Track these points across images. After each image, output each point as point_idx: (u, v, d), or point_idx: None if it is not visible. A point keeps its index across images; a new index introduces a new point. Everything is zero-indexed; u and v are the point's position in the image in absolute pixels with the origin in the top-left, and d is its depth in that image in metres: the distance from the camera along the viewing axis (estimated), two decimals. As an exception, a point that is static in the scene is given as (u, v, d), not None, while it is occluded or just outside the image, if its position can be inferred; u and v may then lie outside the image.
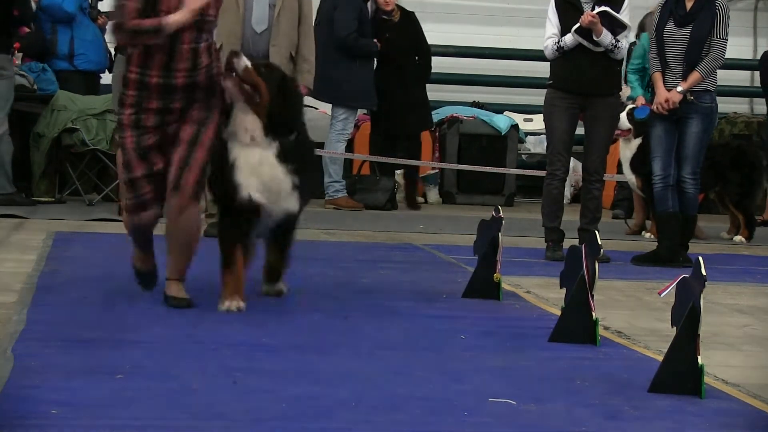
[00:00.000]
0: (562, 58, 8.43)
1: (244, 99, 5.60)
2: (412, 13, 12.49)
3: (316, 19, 9.36)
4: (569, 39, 8.36)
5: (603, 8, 8.29)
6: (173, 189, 5.54)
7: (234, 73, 5.57)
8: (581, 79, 8.37)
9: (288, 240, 6.01)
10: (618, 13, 8.35)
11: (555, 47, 8.44)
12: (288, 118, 5.73)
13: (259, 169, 5.62)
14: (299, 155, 5.74)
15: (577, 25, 8.29)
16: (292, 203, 5.74)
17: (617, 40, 8.34)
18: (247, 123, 5.63)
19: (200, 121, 5.59)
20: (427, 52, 12.51)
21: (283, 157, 5.64)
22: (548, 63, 8.62)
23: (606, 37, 8.29)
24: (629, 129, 10.02)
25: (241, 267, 5.69)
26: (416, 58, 12.38)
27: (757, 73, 13.27)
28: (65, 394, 3.90)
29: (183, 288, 5.69)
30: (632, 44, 10.70)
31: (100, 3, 11.47)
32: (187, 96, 5.57)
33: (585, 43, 8.34)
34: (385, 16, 12.25)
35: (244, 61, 5.60)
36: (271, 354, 4.71)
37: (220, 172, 5.69)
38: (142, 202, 5.61)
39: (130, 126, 5.57)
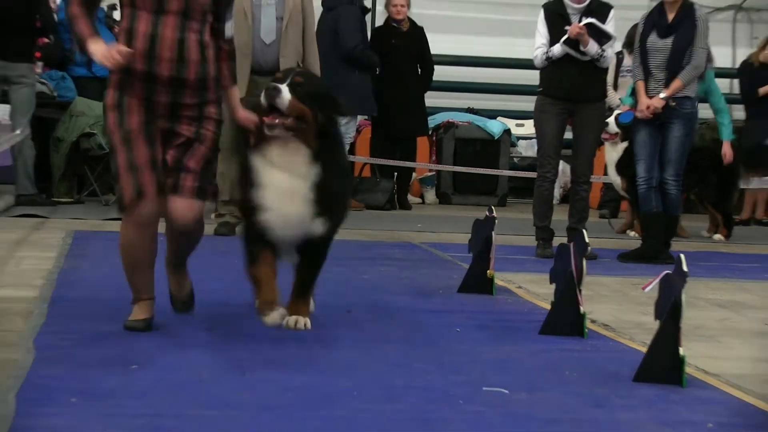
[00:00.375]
0: (551, 66, 8.43)
1: (293, 134, 4.78)
2: (421, 27, 12.53)
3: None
4: (557, 49, 8.36)
5: (590, 20, 8.30)
6: (172, 191, 4.76)
7: (278, 112, 4.73)
8: (569, 86, 8.37)
9: (316, 262, 5.17)
10: (603, 24, 8.35)
11: (544, 57, 8.44)
12: (334, 132, 4.95)
13: (285, 197, 4.84)
14: (335, 174, 4.92)
15: (566, 36, 8.29)
16: (315, 227, 4.95)
17: (603, 50, 8.35)
18: (292, 152, 4.82)
19: (190, 138, 4.78)
20: (430, 63, 12.54)
21: (319, 183, 4.84)
22: (538, 71, 8.62)
23: (592, 47, 8.30)
24: (617, 133, 10.01)
25: (273, 280, 5.00)
26: (419, 68, 12.44)
27: (735, 81, 13.26)
28: (83, 384, 3.89)
29: (185, 275, 5.09)
30: (619, 53, 10.70)
31: (115, 12, 11.48)
32: (174, 92, 4.72)
33: (573, 52, 8.34)
34: (394, 24, 12.32)
35: (286, 94, 4.74)
36: (278, 346, 4.70)
37: (244, 188, 4.95)
38: (139, 191, 4.70)
39: (113, 107, 4.73)
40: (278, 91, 4.72)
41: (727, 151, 10.31)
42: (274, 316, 4.93)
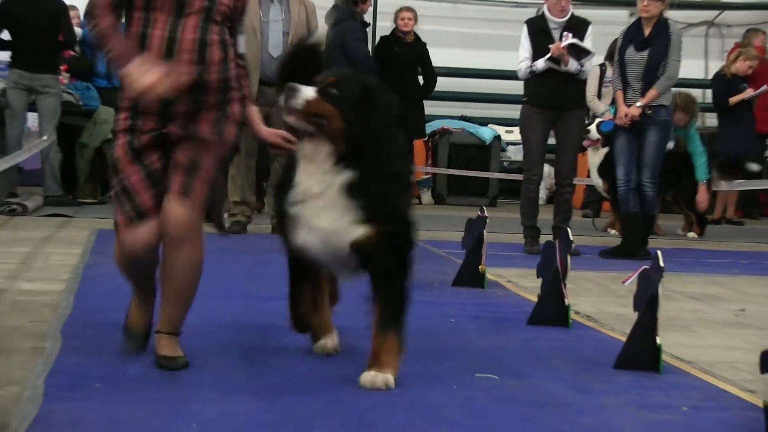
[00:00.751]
0: (535, 78, 8.45)
1: (315, 130, 3.98)
2: (424, 43, 12.54)
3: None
4: (540, 64, 8.39)
5: (570, 40, 8.33)
6: (178, 192, 4.00)
7: (296, 111, 3.96)
8: (552, 96, 8.38)
9: (387, 285, 4.16)
10: (582, 39, 8.40)
11: (528, 70, 8.46)
12: (374, 135, 4.03)
13: (315, 205, 4.00)
14: (377, 184, 3.99)
15: (549, 54, 8.32)
16: (353, 233, 3.99)
17: (582, 65, 8.39)
18: (320, 150, 3.98)
19: (208, 138, 4.03)
20: (433, 74, 12.52)
21: (351, 190, 3.95)
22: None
23: (572, 65, 8.34)
24: (598, 139, 10.01)
25: (307, 303, 4.39)
26: (419, 77, 12.44)
27: (708, 91, 13.26)
28: (106, 371, 3.90)
29: (177, 344, 4.10)
30: (602, 65, 10.71)
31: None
32: (194, 99, 3.99)
33: (555, 66, 8.36)
34: (400, 34, 12.34)
35: (304, 94, 3.96)
36: (285, 336, 4.68)
37: (282, 191, 4.14)
38: (139, 211, 4.03)
39: (124, 131, 4.03)
40: (295, 90, 3.98)
41: (701, 196, 10.23)
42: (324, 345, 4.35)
